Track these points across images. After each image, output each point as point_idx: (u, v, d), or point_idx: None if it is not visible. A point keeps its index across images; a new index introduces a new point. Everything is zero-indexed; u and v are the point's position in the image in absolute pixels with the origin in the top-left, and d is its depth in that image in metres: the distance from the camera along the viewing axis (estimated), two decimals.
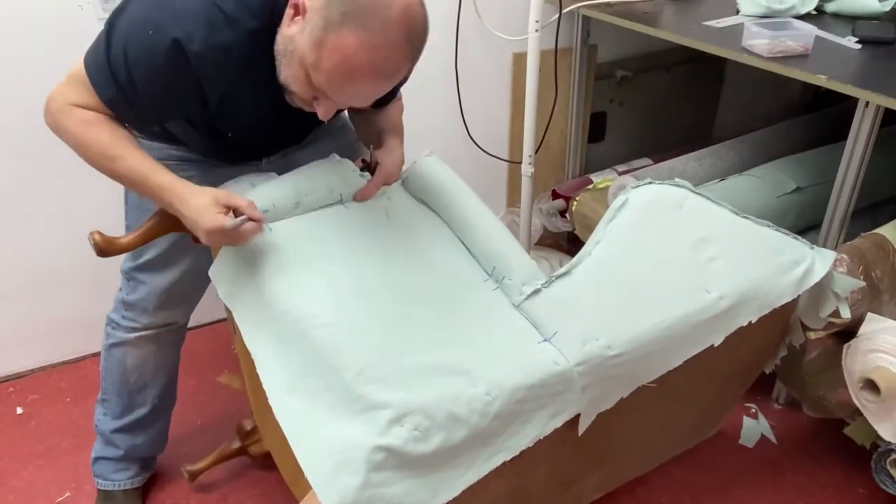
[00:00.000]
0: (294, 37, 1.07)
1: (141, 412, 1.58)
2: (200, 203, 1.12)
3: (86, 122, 1.14)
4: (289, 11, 1.08)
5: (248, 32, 1.10)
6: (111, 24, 1.11)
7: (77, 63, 1.16)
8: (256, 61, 1.13)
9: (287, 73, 1.11)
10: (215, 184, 1.22)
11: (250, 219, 1.12)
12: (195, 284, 1.48)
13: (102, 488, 1.63)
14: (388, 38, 1.03)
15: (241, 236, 1.13)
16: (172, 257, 1.42)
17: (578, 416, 1.12)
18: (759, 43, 1.64)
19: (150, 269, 1.43)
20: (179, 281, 1.44)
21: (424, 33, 1.09)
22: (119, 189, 1.47)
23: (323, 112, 1.13)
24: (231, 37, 1.09)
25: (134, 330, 1.49)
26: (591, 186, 2.23)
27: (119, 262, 1.44)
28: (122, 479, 1.63)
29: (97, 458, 1.62)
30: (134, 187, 1.18)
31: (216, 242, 1.16)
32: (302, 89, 1.11)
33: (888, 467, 1.46)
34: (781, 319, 1.38)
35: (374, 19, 1.01)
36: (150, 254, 1.41)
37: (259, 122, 1.26)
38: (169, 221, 1.22)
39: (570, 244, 2.56)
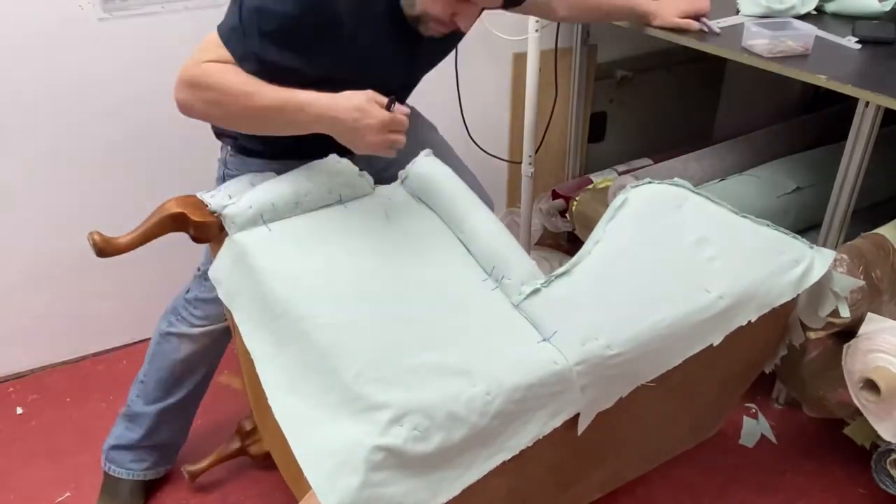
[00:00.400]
0: None
1: (176, 398, 1.59)
2: (357, 101, 1.12)
3: (219, 70, 1.15)
4: None
5: None
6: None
7: (209, 33, 1.18)
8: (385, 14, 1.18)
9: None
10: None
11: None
12: None
13: (114, 474, 1.63)
14: None
15: (401, 124, 1.14)
16: None
17: (578, 415, 1.12)
18: (759, 43, 1.64)
19: None
20: None
21: None
22: (119, 190, 1.47)
23: (466, 23, 1.21)
24: None
25: (199, 326, 1.51)
26: (591, 186, 2.23)
27: (120, 261, 1.44)
28: (136, 469, 1.63)
29: (116, 446, 1.62)
30: (279, 117, 1.16)
31: (380, 142, 1.14)
32: (442, 8, 1.17)
33: (888, 467, 1.46)
34: (781, 319, 1.38)
35: None
36: None
37: (395, 63, 1.29)
38: (169, 222, 1.22)
39: (570, 244, 2.55)
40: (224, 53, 1.15)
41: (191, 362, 1.56)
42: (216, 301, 1.42)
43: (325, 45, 1.16)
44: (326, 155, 1.28)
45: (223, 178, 1.43)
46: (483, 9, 1.25)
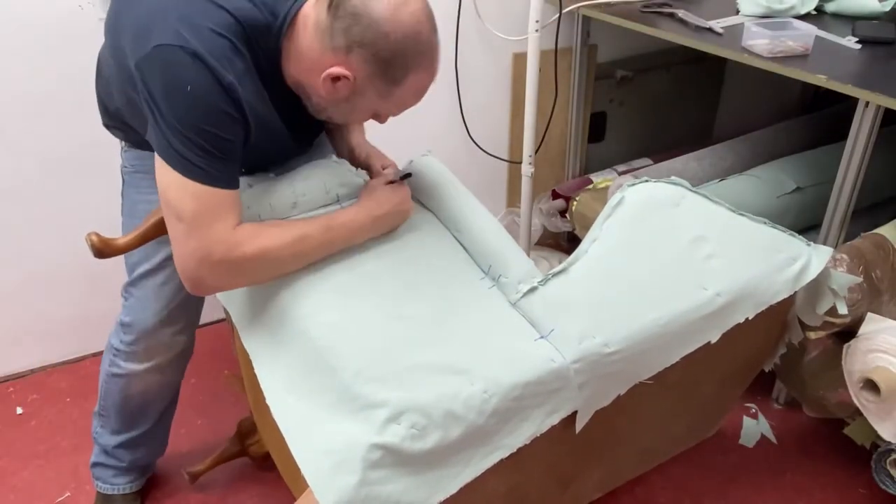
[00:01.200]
0: (348, 98, 1.13)
1: (143, 428, 1.56)
2: (385, 194, 1.21)
3: (254, 240, 1.08)
4: (324, 82, 1.10)
5: (241, 42, 1.08)
6: (157, 122, 1.05)
7: (176, 200, 1.06)
8: (254, 71, 1.11)
9: (346, 116, 1.21)
10: None
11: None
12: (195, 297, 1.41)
13: (102, 491, 1.62)
14: (435, 48, 1.14)
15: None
16: (165, 266, 1.38)
17: (576, 413, 1.12)
18: (759, 43, 1.64)
19: (145, 280, 1.39)
20: (177, 291, 1.39)
21: (432, 14, 1.15)
22: (118, 191, 1.47)
23: (383, 120, 1.23)
24: (242, 56, 1.08)
25: (136, 359, 1.44)
26: (591, 186, 2.23)
27: (119, 261, 1.44)
28: (121, 484, 1.62)
29: (96, 464, 1.61)
30: (328, 246, 1.16)
31: (410, 207, 1.25)
32: (361, 118, 1.25)
33: (888, 467, 1.45)
34: (779, 316, 1.37)
35: (423, 51, 1.11)
36: (142, 267, 1.38)
37: (281, 136, 1.25)
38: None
39: (570, 244, 2.55)
40: (228, 212, 1.07)
41: (146, 395, 1.51)
42: (140, 322, 1.41)
43: (240, 123, 1.10)
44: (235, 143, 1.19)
45: (122, 175, 1.42)
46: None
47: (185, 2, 1.06)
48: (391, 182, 1.26)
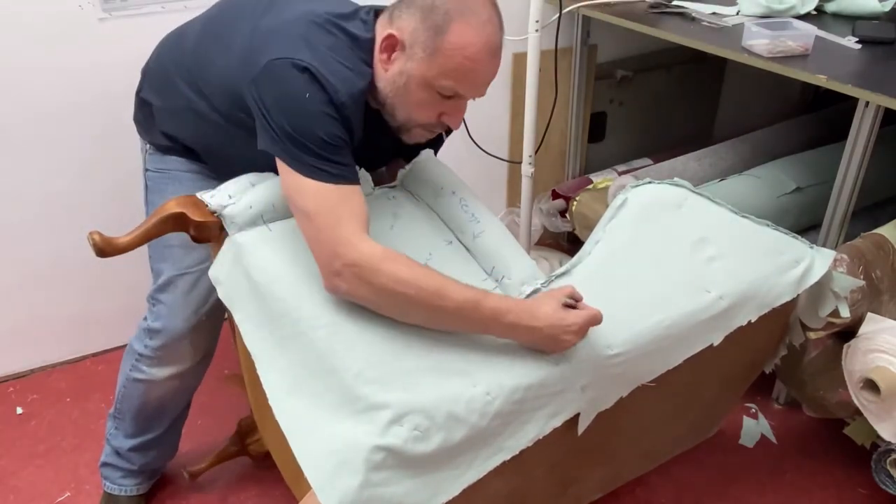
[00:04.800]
0: (401, 69, 1.14)
1: (156, 432, 1.56)
2: (549, 310, 1.06)
3: (393, 263, 1.05)
4: (382, 56, 1.16)
5: (368, 82, 1.16)
6: (269, 118, 1.10)
7: (302, 201, 1.09)
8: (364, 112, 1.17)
9: (407, 106, 1.18)
10: None
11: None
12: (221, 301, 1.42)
13: (109, 491, 1.62)
14: (486, 13, 1.13)
15: (598, 319, 1.08)
16: (192, 272, 1.39)
17: (578, 415, 1.12)
18: (759, 43, 1.64)
19: (173, 287, 1.40)
20: (206, 298, 1.40)
21: (497, 4, 1.17)
22: (118, 190, 1.47)
23: (456, 120, 1.21)
24: (362, 85, 1.14)
25: (160, 365, 1.44)
26: (591, 186, 2.23)
27: (119, 261, 1.44)
28: (129, 486, 1.62)
29: (105, 464, 1.61)
30: (464, 318, 1.06)
31: (577, 340, 1.07)
32: (429, 112, 1.19)
33: (888, 467, 1.46)
34: (781, 319, 1.38)
35: (469, 5, 1.11)
36: (169, 273, 1.39)
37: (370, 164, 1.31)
38: (169, 222, 1.22)
39: (570, 244, 2.56)
40: (354, 221, 1.07)
41: (164, 401, 1.52)
42: (168, 329, 1.40)
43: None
44: (246, 157, 1.24)
45: (145, 180, 1.44)
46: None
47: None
48: (570, 306, 1.09)
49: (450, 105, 1.18)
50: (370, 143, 1.22)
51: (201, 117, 1.30)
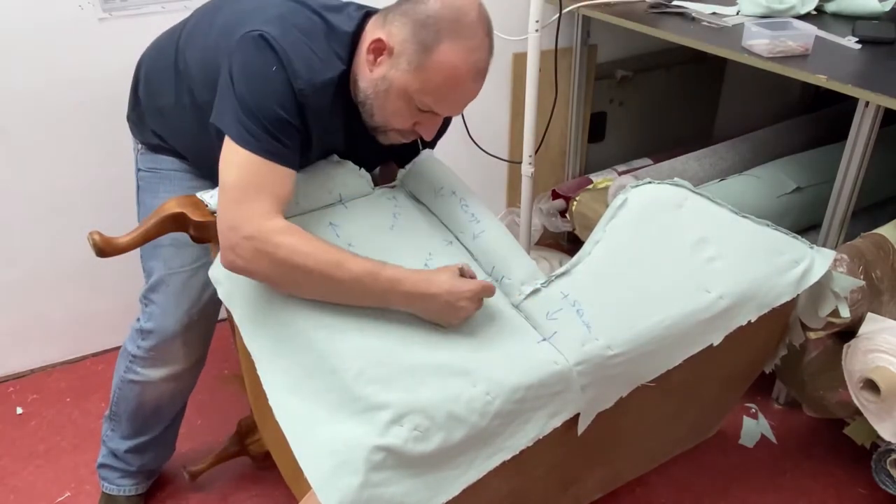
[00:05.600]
0: (384, 75, 1.14)
1: (153, 434, 1.56)
2: (445, 277, 1.08)
3: (291, 236, 1.06)
4: (368, 57, 1.15)
5: (337, 75, 1.16)
6: (230, 85, 1.11)
7: (226, 171, 1.09)
8: (336, 105, 1.17)
9: (384, 110, 1.17)
10: None
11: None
12: (213, 301, 1.43)
13: (107, 491, 1.62)
14: (477, 38, 1.12)
15: (491, 290, 1.11)
16: (184, 272, 1.40)
17: (578, 415, 1.12)
18: (759, 43, 1.64)
19: (164, 287, 1.39)
20: (198, 297, 1.41)
21: (492, 27, 1.16)
22: (118, 190, 1.47)
23: (429, 132, 1.21)
24: (328, 76, 1.14)
25: (155, 365, 1.44)
26: (591, 186, 2.23)
27: (120, 261, 1.44)
28: (127, 486, 1.62)
29: (102, 464, 1.61)
30: (362, 289, 1.07)
31: (474, 309, 1.10)
32: (404, 120, 1.18)
33: (888, 467, 1.46)
34: (781, 319, 1.38)
35: (462, 27, 1.10)
36: (160, 273, 1.39)
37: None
38: (169, 222, 1.22)
39: (570, 244, 2.56)
40: (267, 199, 1.07)
41: (160, 402, 1.51)
42: (160, 329, 1.40)
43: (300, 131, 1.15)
44: None
45: (136, 180, 1.44)
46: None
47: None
48: (465, 276, 1.12)
49: (425, 117, 1.19)
50: (351, 131, 1.23)
51: (185, 112, 1.30)
